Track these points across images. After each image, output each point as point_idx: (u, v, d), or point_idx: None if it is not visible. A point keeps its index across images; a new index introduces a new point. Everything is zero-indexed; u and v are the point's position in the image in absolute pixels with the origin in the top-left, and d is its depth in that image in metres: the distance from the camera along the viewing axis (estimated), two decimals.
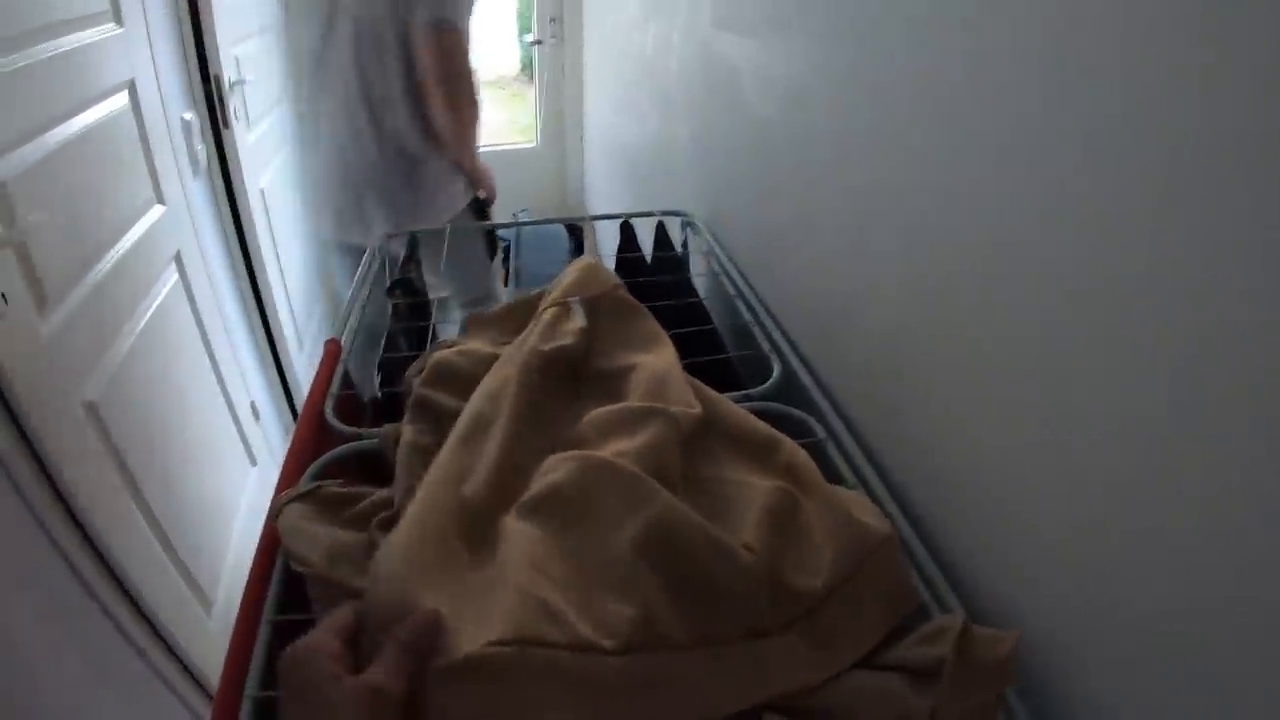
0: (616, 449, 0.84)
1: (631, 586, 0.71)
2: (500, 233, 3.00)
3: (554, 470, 0.80)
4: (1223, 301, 0.54)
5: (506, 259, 3.10)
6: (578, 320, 1.08)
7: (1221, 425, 0.55)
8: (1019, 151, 0.73)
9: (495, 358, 1.08)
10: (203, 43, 2.55)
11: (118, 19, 1.98)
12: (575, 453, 0.81)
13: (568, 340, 1.03)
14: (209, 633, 2.07)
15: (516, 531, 0.75)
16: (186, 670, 1.90)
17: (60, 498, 1.49)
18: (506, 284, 3.38)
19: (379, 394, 1.31)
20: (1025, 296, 0.75)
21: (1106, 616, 0.70)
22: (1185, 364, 0.57)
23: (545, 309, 1.12)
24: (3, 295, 1.36)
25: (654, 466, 0.82)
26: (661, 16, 2.19)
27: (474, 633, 0.65)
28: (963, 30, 0.80)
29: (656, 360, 1.04)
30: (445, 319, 2.89)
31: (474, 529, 0.78)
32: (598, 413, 0.93)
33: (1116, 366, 0.64)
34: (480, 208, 2.63)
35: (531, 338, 1.04)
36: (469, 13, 2.17)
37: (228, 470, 2.50)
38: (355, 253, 2.41)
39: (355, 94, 2.26)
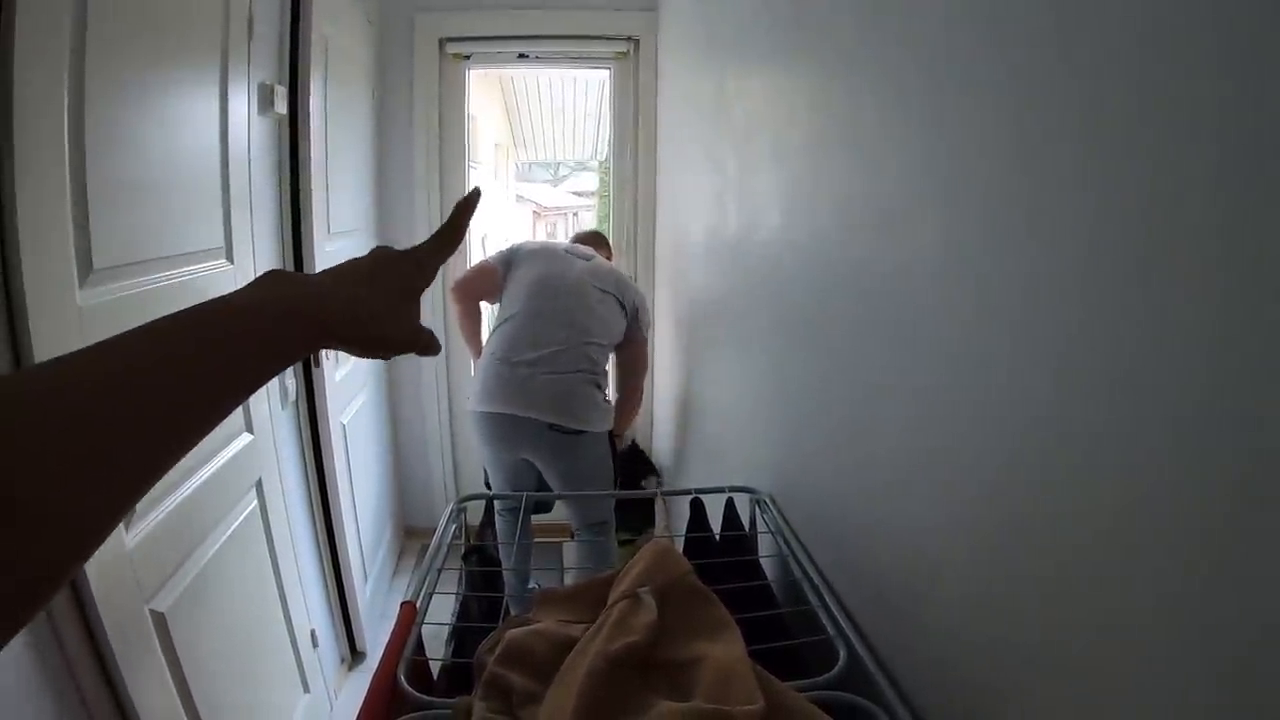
0: None
1: None
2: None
3: None
4: None
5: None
6: (647, 614, 1.10)
7: None
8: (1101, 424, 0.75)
9: (568, 639, 1.11)
10: None
11: (230, 256, 2.17)
12: None
13: (636, 637, 1.05)
14: None
15: None
16: None
17: (115, 695, 1.52)
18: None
19: (450, 661, 1.33)
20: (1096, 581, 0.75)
21: None
22: None
23: (617, 599, 1.15)
24: None
25: None
26: (739, 297, 2.29)
27: None
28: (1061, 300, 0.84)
29: (723, 652, 1.05)
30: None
31: None
32: (660, 711, 0.94)
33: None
34: (612, 443, 3.20)
35: (602, 634, 1.07)
36: None
37: (279, 693, 2.51)
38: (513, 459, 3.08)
39: (575, 337, 2.94)
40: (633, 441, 4.15)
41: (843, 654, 1.25)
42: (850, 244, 1.37)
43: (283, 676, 2.55)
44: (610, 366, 3.20)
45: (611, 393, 3.27)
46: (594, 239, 3.63)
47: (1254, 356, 0.55)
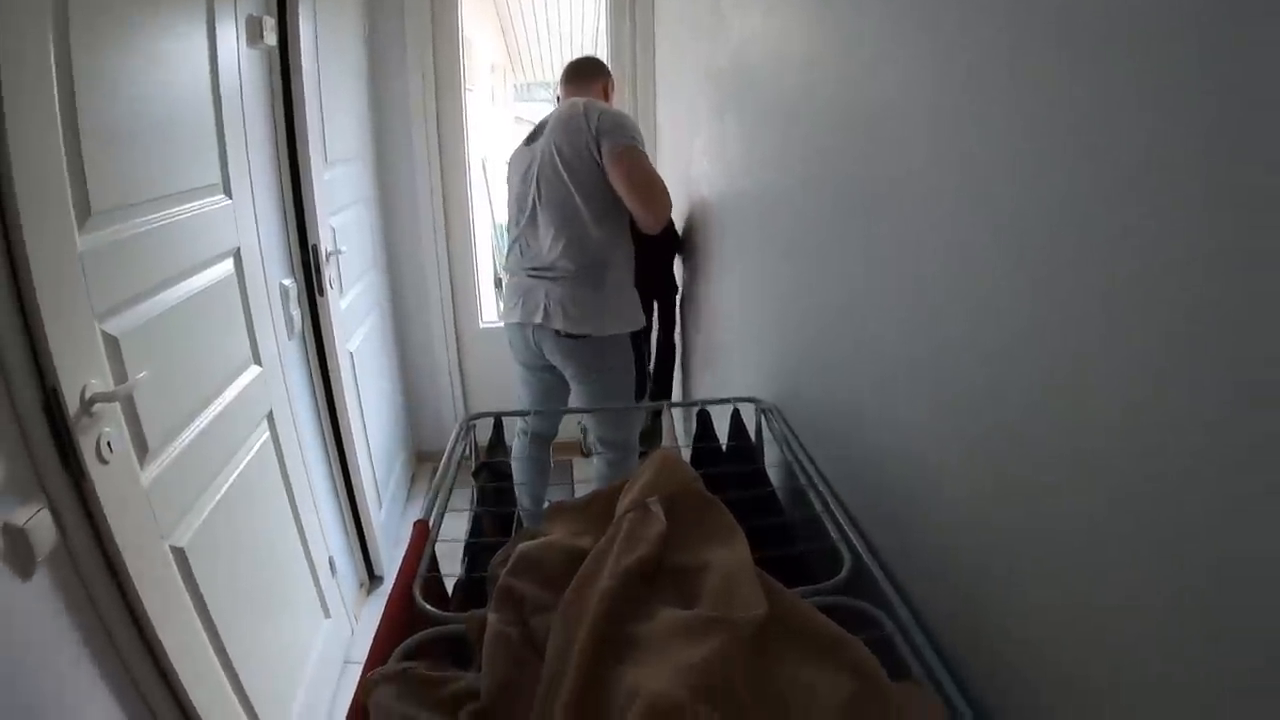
0: (682, 659, 0.88)
1: None
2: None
3: (623, 714, 0.83)
4: None
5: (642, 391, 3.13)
6: (656, 525, 1.12)
7: None
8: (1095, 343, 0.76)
9: (578, 551, 1.14)
10: (303, 214, 2.75)
11: (228, 191, 2.16)
12: (641, 693, 0.83)
13: (646, 550, 1.07)
14: None
15: None
16: None
17: (141, 633, 1.57)
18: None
19: (464, 577, 1.36)
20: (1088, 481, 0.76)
21: None
22: None
23: (626, 510, 1.17)
24: (109, 443, 1.46)
25: (715, 681, 0.85)
26: (741, 198, 2.29)
27: None
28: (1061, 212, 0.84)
29: (728, 558, 1.08)
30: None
31: None
32: (667, 618, 0.97)
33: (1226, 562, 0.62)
34: (639, 341, 2.99)
35: (613, 550, 1.09)
36: (641, 141, 2.66)
37: (302, 620, 2.56)
38: (537, 371, 2.97)
39: (557, 225, 2.69)
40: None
41: (848, 559, 1.28)
42: (845, 152, 1.36)
43: (304, 604, 2.60)
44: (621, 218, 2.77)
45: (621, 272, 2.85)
46: (581, 73, 3.06)
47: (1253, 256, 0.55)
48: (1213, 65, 0.57)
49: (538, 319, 2.75)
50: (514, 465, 2.84)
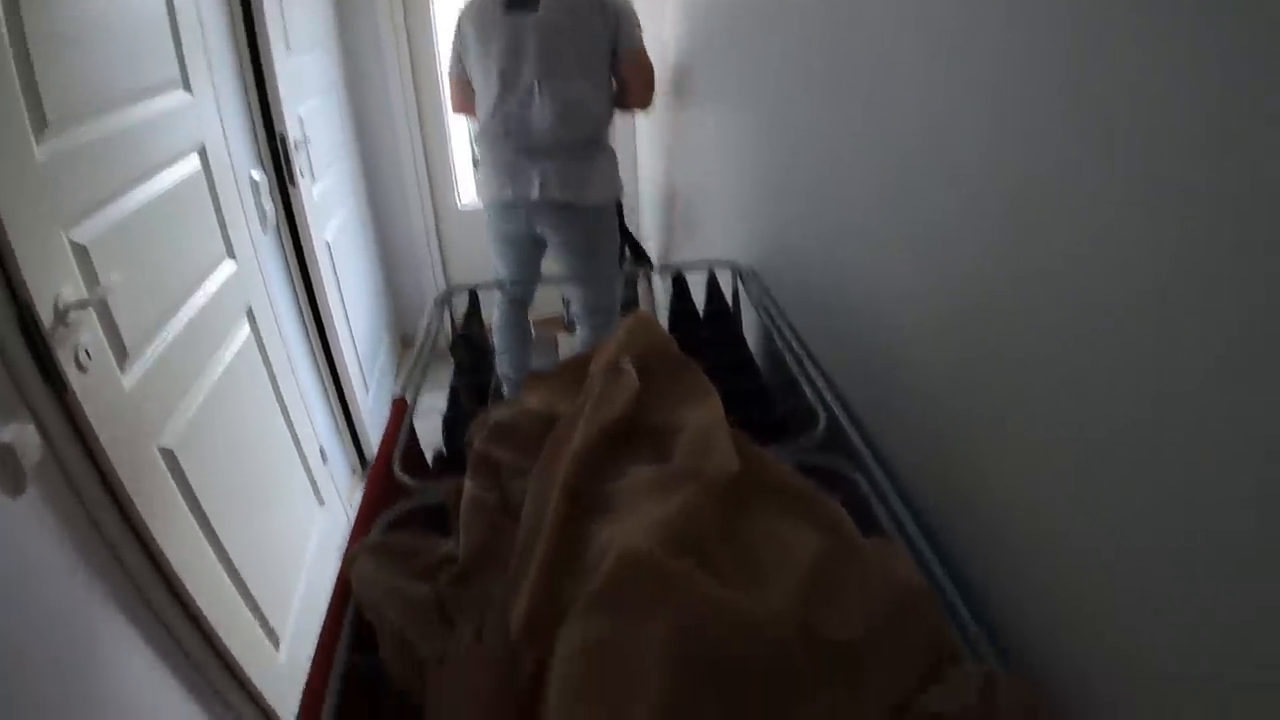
0: (655, 514, 0.88)
1: (662, 686, 0.74)
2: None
3: (596, 569, 0.83)
4: None
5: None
6: (629, 386, 1.12)
7: None
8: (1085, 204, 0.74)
9: (552, 416, 1.14)
10: (268, 105, 2.68)
11: (187, 86, 2.08)
12: (614, 548, 0.84)
13: (619, 411, 1.08)
14: (278, 667, 2.14)
15: (562, 651, 0.79)
16: (255, 703, 1.98)
17: (139, 538, 1.58)
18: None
19: (443, 449, 1.37)
20: (1059, 346, 0.76)
21: (1141, 675, 0.71)
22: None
23: (600, 372, 1.17)
24: (86, 350, 1.44)
25: (689, 535, 0.86)
26: (717, 63, 2.24)
27: None
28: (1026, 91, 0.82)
29: (702, 416, 1.08)
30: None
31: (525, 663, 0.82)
32: (639, 474, 0.98)
33: (1187, 425, 0.62)
34: (620, 211, 3.07)
35: (586, 410, 1.09)
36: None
37: (296, 510, 2.58)
38: (520, 244, 2.87)
39: (563, 100, 2.61)
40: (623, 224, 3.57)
41: (822, 419, 1.28)
42: (830, 20, 1.33)
43: (297, 495, 2.61)
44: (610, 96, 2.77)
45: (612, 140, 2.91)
46: None
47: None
48: None
49: (534, 195, 2.69)
50: (496, 336, 2.92)
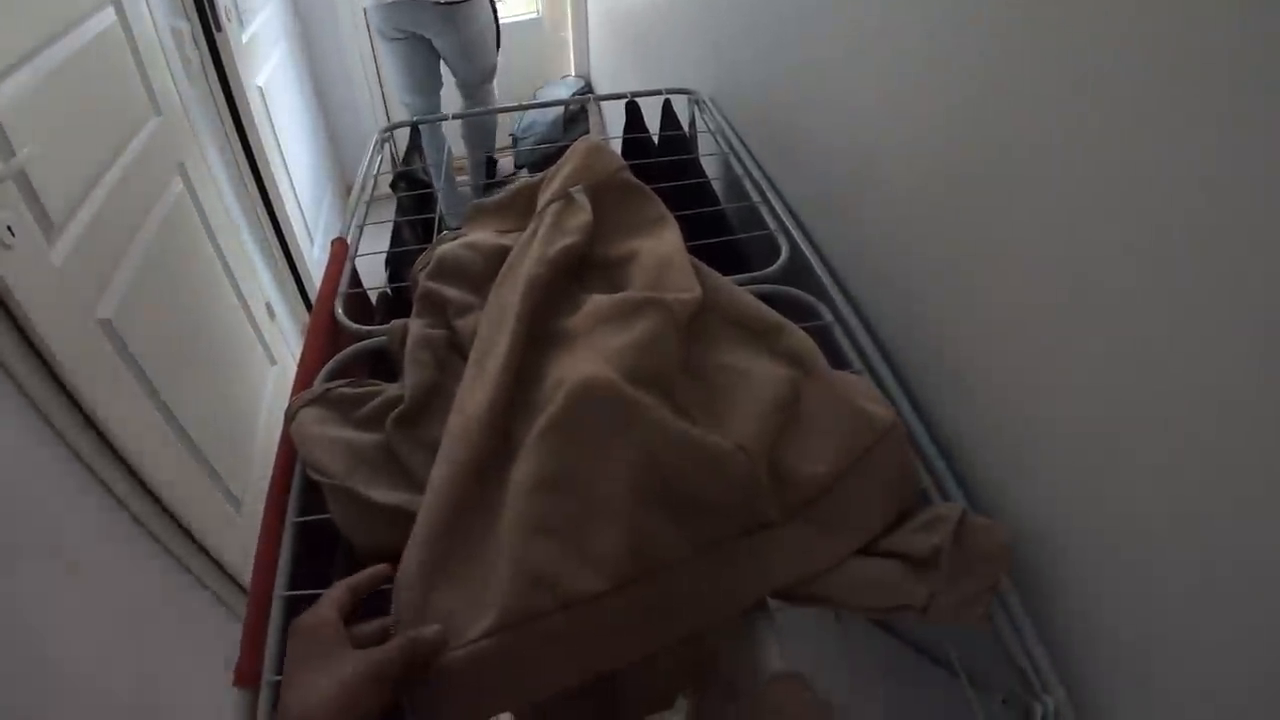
0: (612, 344, 0.84)
1: (623, 515, 0.72)
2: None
3: (550, 401, 0.79)
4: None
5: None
6: (582, 215, 1.06)
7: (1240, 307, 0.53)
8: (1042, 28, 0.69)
9: (500, 248, 1.08)
10: None
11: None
12: (569, 378, 0.79)
13: (572, 239, 1.02)
14: (239, 529, 2.12)
15: (515, 484, 0.75)
16: (220, 567, 1.96)
17: (84, 415, 1.51)
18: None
19: (388, 290, 1.31)
20: (1043, 168, 0.71)
21: (1099, 511, 0.70)
22: (1217, 247, 0.54)
23: (549, 200, 1.10)
24: (9, 227, 1.35)
25: (648, 364, 0.82)
26: None
27: (477, 623, 0.67)
28: None
29: (658, 245, 1.03)
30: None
31: (484, 488, 0.78)
32: (595, 303, 0.93)
33: (1141, 251, 0.60)
34: (494, 6, 3.56)
35: (537, 239, 1.03)
36: None
37: (248, 371, 2.53)
38: (402, 42, 3.45)
39: None
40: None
41: (785, 249, 1.23)
42: None
43: (247, 354, 2.56)
44: None
45: None
46: None
47: None
48: None
49: None
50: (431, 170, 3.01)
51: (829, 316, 1.11)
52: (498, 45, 3.69)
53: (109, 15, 1.93)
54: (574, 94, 4.10)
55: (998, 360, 0.83)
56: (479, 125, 3.81)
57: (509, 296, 0.95)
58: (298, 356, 2.87)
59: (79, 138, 1.72)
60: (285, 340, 2.93)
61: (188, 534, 1.82)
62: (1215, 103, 0.52)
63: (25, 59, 1.55)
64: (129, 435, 1.61)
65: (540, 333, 0.91)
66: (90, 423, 1.52)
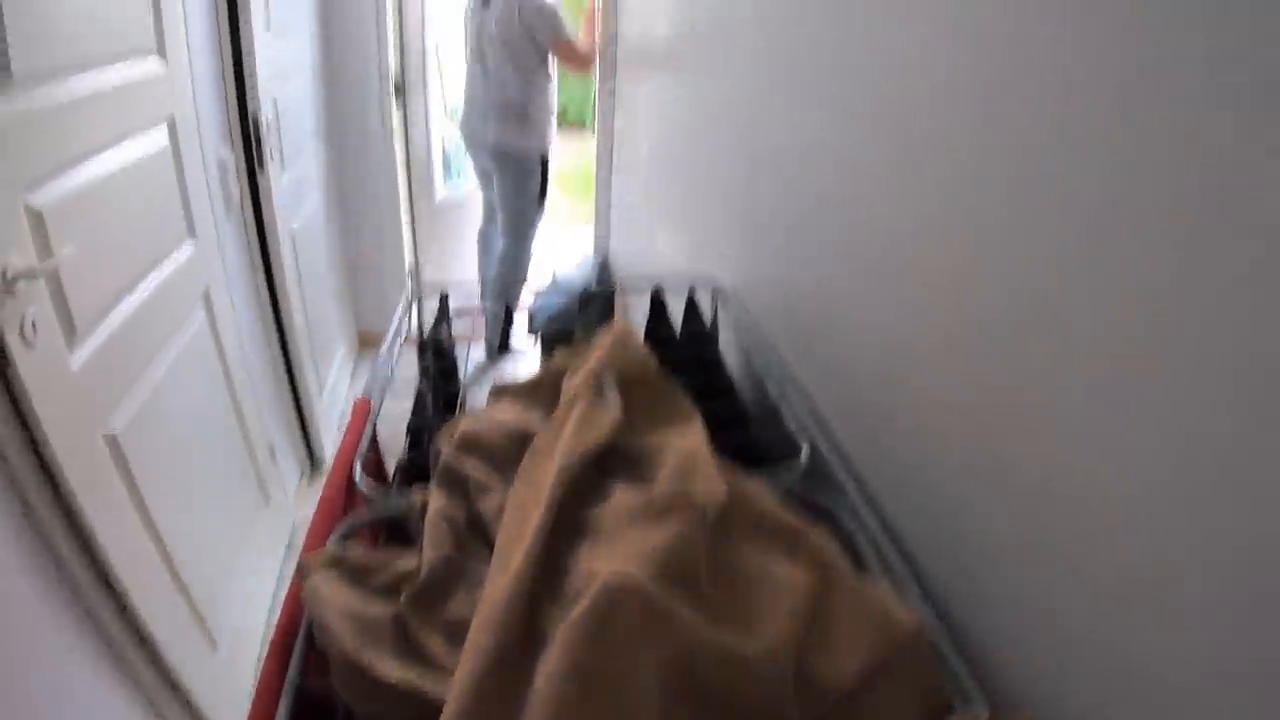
0: (641, 545, 0.83)
1: (653, 712, 0.71)
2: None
3: (581, 594, 0.77)
4: None
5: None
6: (612, 410, 1.06)
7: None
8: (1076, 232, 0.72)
9: (524, 432, 1.08)
10: (243, 84, 2.59)
11: (162, 53, 2.01)
12: (601, 573, 0.78)
13: (601, 434, 1.02)
14: (214, 667, 2.07)
15: (545, 675, 0.73)
16: (189, 706, 1.90)
17: (76, 529, 1.49)
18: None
19: (406, 457, 1.31)
20: (1071, 380, 0.73)
21: (1129, 706, 0.69)
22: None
23: (579, 389, 1.11)
24: (33, 324, 1.36)
25: (678, 564, 0.81)
26: (699, 81, 2.20)
27: None
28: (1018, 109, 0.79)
29: (685, 441, 1.03)
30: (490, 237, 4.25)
31: (511, 677, 0.76)
32: (623, 500, 0.92)
33: (1175, 463, 0.61)
34: (545, 167, 4.01)
35: (568, 432, 1.02)
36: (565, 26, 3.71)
37: (241, 508, 2.50)
38: (484, 174, 4.16)
39: (492, 74, 3.81)
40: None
41: (805, 449, 1.23)
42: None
43: (242, 491, 2.53)
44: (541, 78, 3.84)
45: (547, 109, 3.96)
46: None
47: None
48: None
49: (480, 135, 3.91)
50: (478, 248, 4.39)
51: (848, 520, 1.10)
52: (541, 200, 4.08)
53: (162, 134, 2.00)
54: (592, 273, 4.24)
55: (1029, 574, 0.83)
56: (501, 276, 4.12)
57: (540, 481, 0.94)
58: (292, 501, 2.86)
59: (115, 248, 1.74)
60: (282, 483, 2.90)
61: (158, 664, 1.77)
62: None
63: (79, 161, 1.59)
64: (117, 555, 1.58)
65: (566, 521, 0.91)
66: (80, 534, 1.50)
